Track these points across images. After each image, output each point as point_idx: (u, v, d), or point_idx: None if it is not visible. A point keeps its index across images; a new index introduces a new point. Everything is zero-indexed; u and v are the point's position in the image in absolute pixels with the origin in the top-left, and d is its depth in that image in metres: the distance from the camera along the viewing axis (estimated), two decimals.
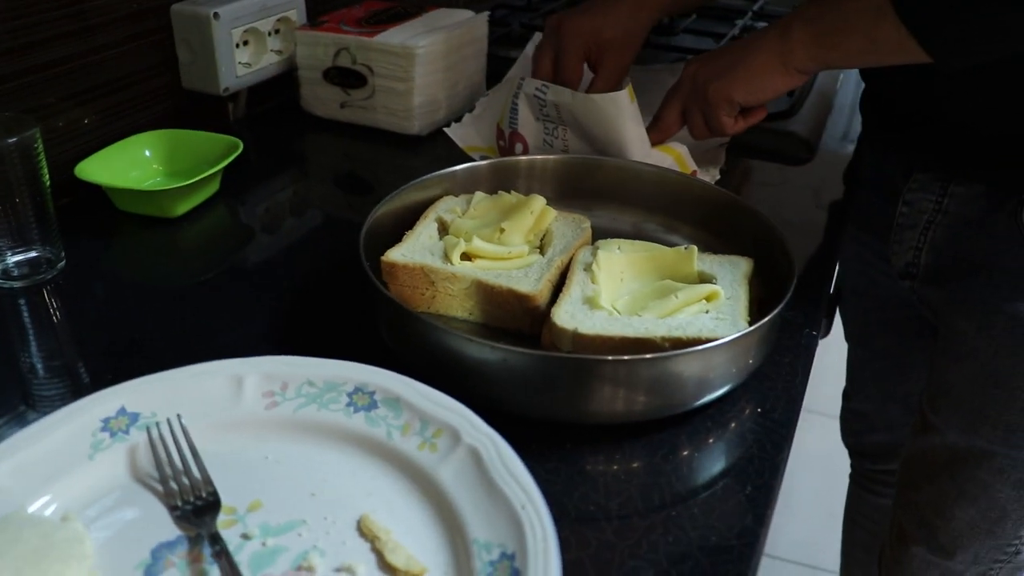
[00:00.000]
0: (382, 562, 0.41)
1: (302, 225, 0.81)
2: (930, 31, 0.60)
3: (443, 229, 0.66)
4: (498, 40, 1.10)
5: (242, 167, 0.79)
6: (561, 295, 0.58)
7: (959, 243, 0.74)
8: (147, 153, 0.82)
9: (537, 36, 0.95)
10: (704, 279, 0.61)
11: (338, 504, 0.45)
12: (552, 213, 0.68)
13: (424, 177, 0.69)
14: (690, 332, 0.54)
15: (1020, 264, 0.70)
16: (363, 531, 0.43)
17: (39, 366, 0.60)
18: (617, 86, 0.84)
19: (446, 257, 0.61)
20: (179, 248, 0.76)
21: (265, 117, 0.99)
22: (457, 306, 0.61)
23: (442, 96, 0.95)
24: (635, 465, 0.52)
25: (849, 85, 1.18)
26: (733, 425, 0.55)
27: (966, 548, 0.84)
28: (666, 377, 0.52)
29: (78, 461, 0.46)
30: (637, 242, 0.65)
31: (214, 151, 0.81)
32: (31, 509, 0.43)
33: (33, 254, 0.67)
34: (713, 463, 0.53)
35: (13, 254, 0.67)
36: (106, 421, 0.48)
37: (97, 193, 0.77)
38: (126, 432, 0.48)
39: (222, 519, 0.44)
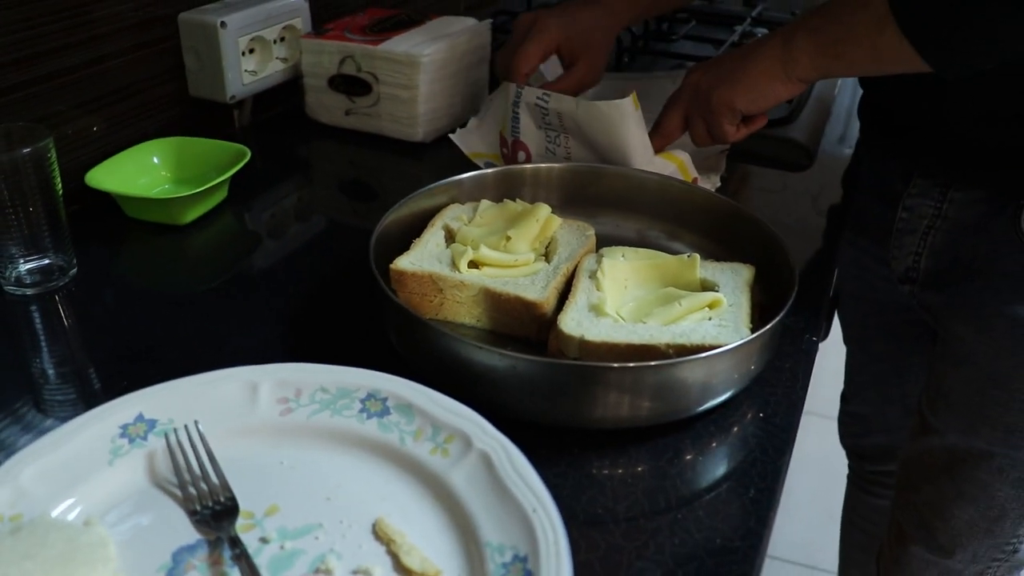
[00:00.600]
0: (398, 564, 0.43)
1: (308, 231, 0.82)
2: (929, 42, 0.61)
3: (450, 237, 0.68)
4: (500, 46, 1.11)
5: (248, 174, 0.81)
6: (567, 302, 0.60)
7: (958, 248, 0.75)
8: (155, 160, 0.83)
9: None
10: (706, 286, 0.63)
11: (353, 508, 0.46)
12: (557, 221, 0.69)
13: (431, 185, 0.70)
14: (694, 339, 0.55)
15: (1019, 268, 0.72)
16: (378, 534, 0.44)
17: (53, 372, 0.62)
18: (588, 86, 0.87)
19: (454, 265, 0.63)
20: (187, 255, 0.77)
21: (270, 124, 1.00)
22: (465, 313, 0.62)
23: (445, 103, 0.96)
24: (640, 469, 0.53)
25: (847, 91, 1.19)
26: (735, 430, 0.57)
27: (965, 547, 0.85)
28: (671, 383, 0.53)
29: (98, 466, 0.47)
30: (641, 250, 0.66)
31: (222, 158, 0.82)
32: (54, 513, 0.44)
33: (46, 261, 0.68)
34: (716, 467, 0.54)
35: (26, 261, 0.67)
36: (124, 427, 0.49)
37: (106, 200, 0.78)
38: (144, 438, 0.49)
39: (240, 523, 0.45)
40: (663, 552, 0.47)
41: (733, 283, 0.63)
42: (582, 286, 0.61)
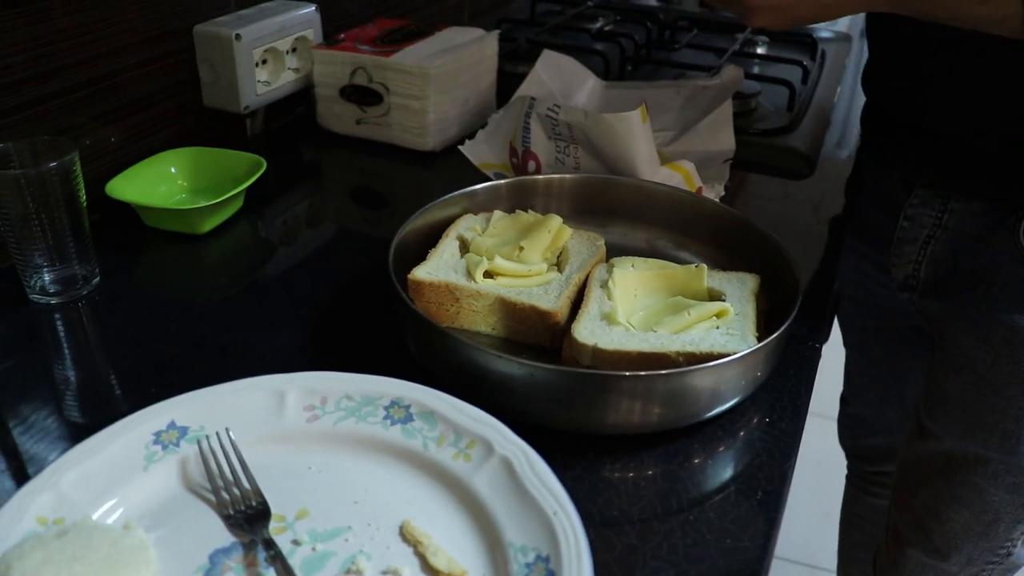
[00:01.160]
0: (425, 565, 0.45)
1: (320, 240, 0.84)
2: None
3: (464, 247, 0.70)
4: (505, 55, 1.13)
5: (261, 182, 0.82)
6: (580, 311, 0.62)
7: (958, 257, 0.77)
8: (173, 170, 0.85)
9: (546, 53, 0.98)
10: (713, 296, 0.65)
11: (380, 511, 0.48)
12: (568, 231, 0.71)
13: (445, 196, 0.72)
14: (703, 347, 0.57)
15: (1018, 278, 0.73)
16: (405, 536, 0.46)
17: (81, 379, 0.63)
18: None
19: (469, 275, 0.64)
20: (205, 263, 0.79)
21: (281, 133, 1.02)
22: (480, 321, 0.64)
23: (455, 113, 0.98)
24: (652, 472, 0.55)
25: (844, 99, 1.22)
26: (742, 434, 0.59)
27: (960, 550, 0.86)
28: (681, 391, 0.55)
29: (134, 472, 0.49)
30: (650, 260, 0.68)
31: (237, 168, 0.84)
32: (94, 517, 0.46)
33: (70, 271, 0.70)
34: (724, 470, 0.56)
35: (50, 271, 0.69)
36: (158, 434, 0.51)
37: (124, 209, 0.79)
38: (177, 445, 0.51)
39: (272, 526, 0.47)
40: (676, 552, 0.49)
41: (739, 292, 0.65)
42: (594, 295, 0.63)
